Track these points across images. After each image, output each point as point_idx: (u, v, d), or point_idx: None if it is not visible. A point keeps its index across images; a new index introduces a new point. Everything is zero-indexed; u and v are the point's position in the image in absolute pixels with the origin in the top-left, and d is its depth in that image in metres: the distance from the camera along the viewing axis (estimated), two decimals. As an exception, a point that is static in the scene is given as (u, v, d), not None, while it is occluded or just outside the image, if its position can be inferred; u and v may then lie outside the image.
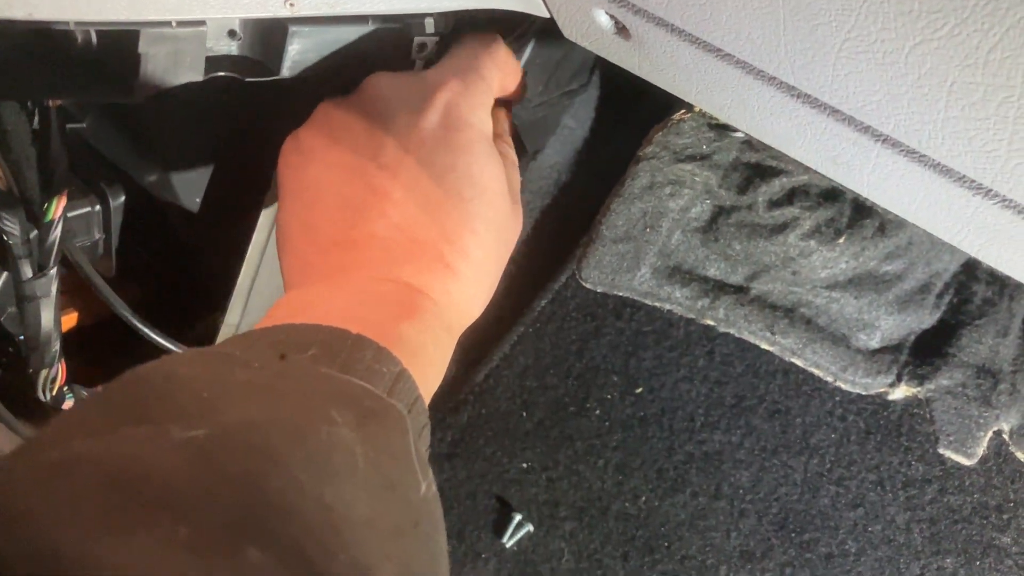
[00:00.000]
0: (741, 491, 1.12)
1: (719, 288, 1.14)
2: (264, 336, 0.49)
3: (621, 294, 1.18)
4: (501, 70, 0.68)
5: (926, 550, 1.05)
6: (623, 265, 1.16)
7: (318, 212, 0.60)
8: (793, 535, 1.09)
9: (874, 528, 1.07)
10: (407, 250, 0.57)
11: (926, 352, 1.10)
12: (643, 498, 1.14)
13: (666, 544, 1.13)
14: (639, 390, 1.17)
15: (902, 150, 0.52)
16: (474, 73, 0.65)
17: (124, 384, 0.42)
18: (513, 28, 0.95)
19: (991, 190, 0.49)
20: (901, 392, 1.09)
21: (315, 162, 0.61)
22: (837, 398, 1.11)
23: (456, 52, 0.69)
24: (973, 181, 0.50)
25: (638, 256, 1.16)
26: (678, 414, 1.15)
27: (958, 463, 1.05)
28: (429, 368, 0.54)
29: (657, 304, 1.16)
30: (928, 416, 1.07)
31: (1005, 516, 1.04)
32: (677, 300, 1.15)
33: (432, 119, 0.60)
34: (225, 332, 0.89)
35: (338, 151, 0.61)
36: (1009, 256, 0.56)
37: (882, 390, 1.09)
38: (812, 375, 1.11)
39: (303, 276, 0.60)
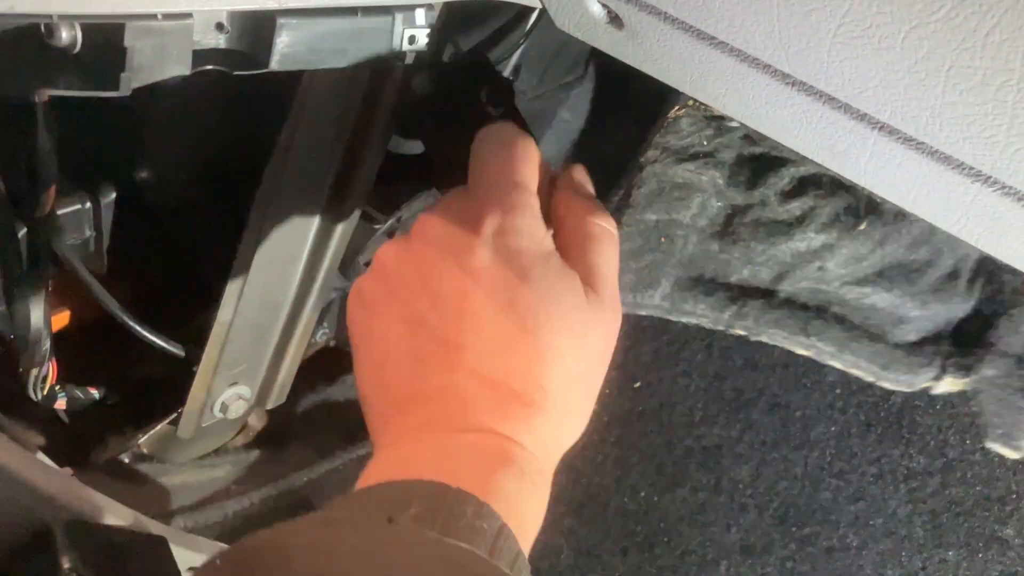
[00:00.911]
0: (741, 485, 1.11)
1: (745, 293, 1.10)
2: (367, 496, 0.49)
3: (644, 313, 1.14)
4: (534, 165, 0.65)
5: (928, 543, 1.04)
6: (643, 282, 1.12)
7: (389, 369, 0.58)
8: (794, 529, 1.09)
9: (876, 521, 1.06)
10: (484, 397, 0.55)
11: (966, 342, 1.06)
12: (642, 493, 1.14)
13: (666, 539, 1.12)
14: (637, 385, 1.16)
15: (900, 137, 0.51)
16: (513, 188, 0.61)
17: (237, 559, 0.42)
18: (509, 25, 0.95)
19: (990, 177, 0.48)
20: (947, 385, 1.06)
21: (379, 316, 0.59)
22: (837, 391, 1.10)
23: (485, 161, 0.65)
24: (972, 168, 0.49)
25: (657, 270, 1.11)
26: (677, 409, 1.15)
27: (961, 456, 1.04)
28: (528, 516, 0.54)
29: (683, 319, 1.12)
30: (975, 409, 1.04)
31: (1008, 508, 1.03)
32: (703, 313, 1.10)
33: (483, 257, 0.57)
34: (218, 330, 0.88)
35: (398, 305, 0.58)
36: (1009, 244, 0.55)
37: (927, 385, 1.05)
38: (812, 368, 1.10)
39: (387, 434, 0.58)
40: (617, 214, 1.16)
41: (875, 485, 1.07)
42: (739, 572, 1.10)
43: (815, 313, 1.09)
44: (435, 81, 0.83)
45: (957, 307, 1.08)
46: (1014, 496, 1.03)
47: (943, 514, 1.04)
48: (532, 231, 0.59)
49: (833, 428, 1.09)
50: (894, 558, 1.05)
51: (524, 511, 0.53)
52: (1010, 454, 1.03)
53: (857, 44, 0.46)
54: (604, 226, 0.64)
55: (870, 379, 1.06)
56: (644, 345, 1.17)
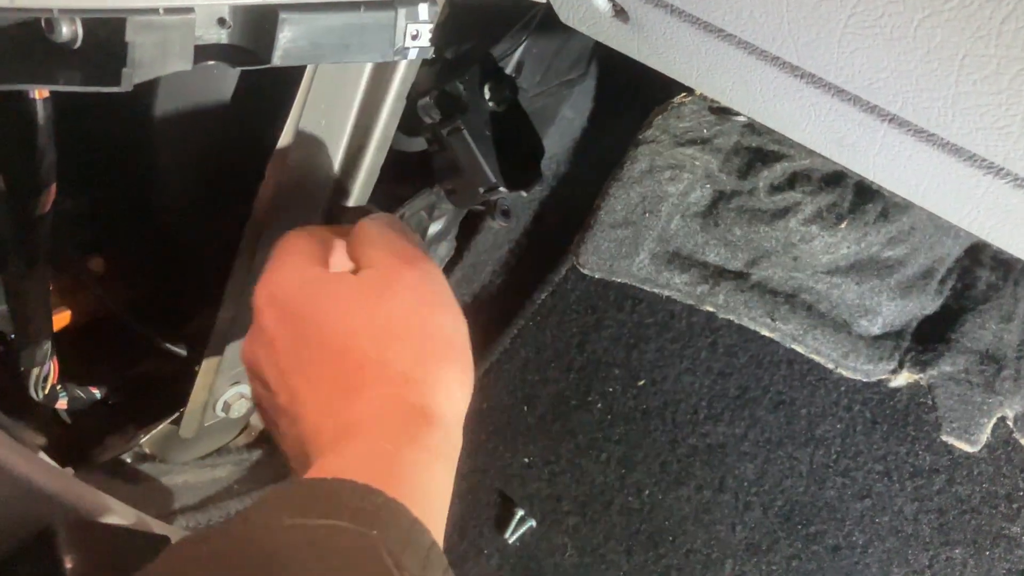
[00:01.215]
0: (746, 484, 1.10)
1: (719, 274, 1.13)
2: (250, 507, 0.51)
3: (619, 280, 1.16)
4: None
5: (935, 541, 1.04)
6: (621, 251, 1.15)
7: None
8: (799, 527, 1.08)
9: (881, 519, 1.06)
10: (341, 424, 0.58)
11: (928, 338, 1.09)
12: (647, 492, 1.13)
13: (670, 538, 1.12)
14: (641, 383, 1.16)
15: (910, 130, 0.51)
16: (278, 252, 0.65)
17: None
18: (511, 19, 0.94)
19: (1003, 169, 0.48)
20: (903, 379, 1.08)
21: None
22: (843, 388, 1.10)
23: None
24: (984, 160, 0.49)
25: (637, 241, 1.14)
26: (681, 406, 1.14)
27: (966, 452, 1.04)
28: (431, 483, 0.55)
29: (656, 290, 1.15)
30: (931, 403, 1.06)
31: (1015, 505, 1.03)
32: (676, 286, 1.14)
33: (269, 326, 0.61)
34: (219, 329, 0.88)
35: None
36: (1020, 238, 0.55)
37: (884, 377, 1.08)
38: (816, 365, 1.10)
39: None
40: (606, 184, 1.17)
41: (881, 483, 1.06)
42: (744, 570, 1.09)
43: (784, 299, 1.10)
44: (438, 78, 0.82)
45: (926, 304, 1.10)
46: (1021, 493, 1.02)
47: (950, 511, 1.04)
48: (289, 279, 0.62)
49: (839, 425, 1.09)
50: (900, 556, 1.05)
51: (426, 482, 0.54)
52: (966, 448, 1.04)
53: (868, 34, 0.45)
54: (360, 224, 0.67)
55: (830, 366, 1.09)
56: (648, 343, 1.16)
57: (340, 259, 0.67)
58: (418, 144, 0.98)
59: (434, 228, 1.08)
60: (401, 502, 0.48)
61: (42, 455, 0.75)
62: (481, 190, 0.82)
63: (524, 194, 0.86)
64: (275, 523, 0.45)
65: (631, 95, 1.24)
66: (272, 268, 0.63)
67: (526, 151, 0.87)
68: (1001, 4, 0.38)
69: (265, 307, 0.61)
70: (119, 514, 0.63)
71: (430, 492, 0.53)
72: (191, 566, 0.43)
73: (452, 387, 0.59)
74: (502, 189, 0.83)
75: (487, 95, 0.84)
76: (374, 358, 0.57)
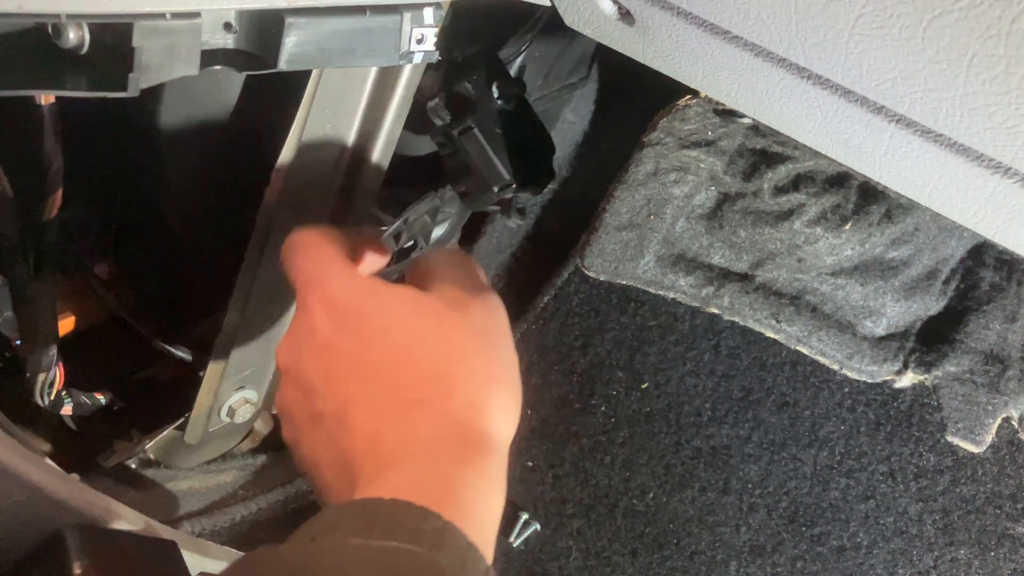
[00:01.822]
0: (750, 485, 1.10)
1: (724, 276, 1.13)
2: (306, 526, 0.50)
3: (624, 282, 1.16)
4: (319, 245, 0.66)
5: (939, 541, 1.04)
6: (627, 253, 1.15)
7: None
8: (804, 529, 1.08)
9: (886, 520, 1.06)
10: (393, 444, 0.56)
11: (933, 339, 1.09)
12: (651, 494, 1.13)
13: (675, 540, 1.12)
14: (645, 385, 1.16)
15: (917, 130, 0.51)
16: (301, 275, 0.63)
17: None
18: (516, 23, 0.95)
19: (1011, 168, 0.48)
20: (908, 379, 1.08)
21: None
22: (846, 389, 1.10)
23: (289, 269, 0.66)
24: (992, 160, 0.49)
25: (642, 243, 1.14)
26: (685, 409, 1.14)
27: (970, 452, 1.04)
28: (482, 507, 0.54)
29: (661, 292, 1.15)
30: (936, 403, 1.06)
31: (1019, 505, 1.03)
32: (681, 288, 1.14)
33: (325, 331, 0.59)
34: (224, 334, 0.88)
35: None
36: (1028, 238, 0.55)
37: (888, 378, 1.08)
38: (820, 366, 1.10)
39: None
40: (611, 187, 1.17)
41: (885, 483, 1.06)
42: (749, 572, 1.09)
43: (788, 300, 1.11)
44: (446, 80, 0.82)
45: (930, 305, 1.10)
46: (1026, 493, 1.03)
47: (954, 512, 1.04)
48: (344, 283, 0.60)
49: (842, 427, 1.09)
50: (905, 557, 1.05)
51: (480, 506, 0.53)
52: (972, 448, 1.04)
53: (876, 35, 0.45)
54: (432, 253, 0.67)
55: (834, 367, 1.09)
56: (651, 345, 1.16)
57: (371, 263, 0.67)
58: (423, 148, 0.98)
59: (437, 232, 1.08)
60: (458, 526, 0.48)
61: (47, 461, 0.75)
62: (495, 189, 0.81)
63: (534, 195, 0.85)
64: (340, 542, 0.45)
65: (632, 98, 1.24)
66: (318, 271, 0.61)
67: (537, 149, 0.87)
68: (1011, 4, 0.38)
69: (321, 310, 0.59)
70: (127, 519, 0.63)
71: (485, 518, 0.53)
72: None
73: (508, 415, 0.58)
74: (516, 187, 0.82)
75: (496, 94, 0.84)
76: (439, 373, 0.56)
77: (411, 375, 0.56)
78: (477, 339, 0.59)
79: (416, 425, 0.55)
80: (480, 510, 0.53)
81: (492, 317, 0.62)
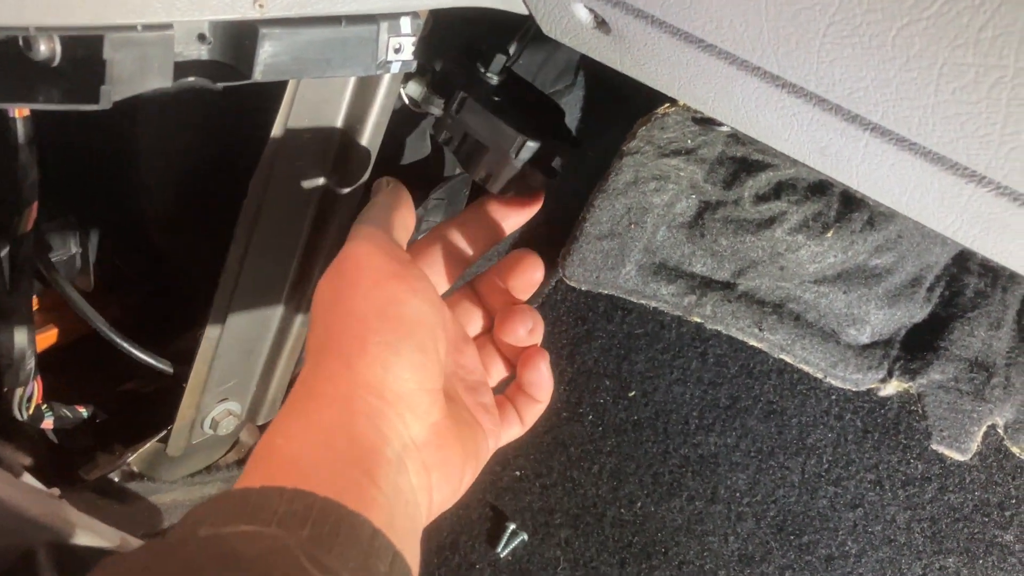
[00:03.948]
0: (738, 494, 1.10)
1: (706, 284, 1.13)
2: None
3: (606, 291, 1.16)
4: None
5: (928, 549, 1.03)
6: (607, 262, 1.15)
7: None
8: (792, 537, 1.08)
9: (874, 528, 1.05)
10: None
11: (917, 346, 1.08)
12: (639, 503, 1.13)
13: (663, 550, 1.11)
14: (632, 394, 1.15)
15: (892, 138, 0.51)
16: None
17: None
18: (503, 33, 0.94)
19: (985, 177, 0.48)
20: (892, 387, 1.08)
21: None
22: (833, 397, 1.09)
23: None
24: (966, 168, 0.48)
25: (623, 253, 1.14)
26: (672, 417, 1.14)
27: (959, 461, 1.04)
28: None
29: (643, 301, 1.15)
30: (921, 411, 1.06)
31: (1007, 513, 1.02)
32: (663, 297, 1.14)
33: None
34: (206, 346, 0.87)
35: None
36: (1005, 246, 0.54)
37: (873, 386, 1.08)
38: (807, 374, 1.10)
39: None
40: (591, 196, 1.17)
41: (873, 492, 1.06)
42: (738, 582, 1.09)
43: (771, 309, 1.11)
44: (432, 82, 0.80)
45: (914, 312, 1.10)
46: (1013, 501, 1.02)
47: (942, 520, 1.03)
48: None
49: (830, 435, 1.08)
50: (894, 565, 1.04)
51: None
52: (957, 456, 1.04)
53: (847, 43, 0.45)
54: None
55: (819, 376, 1.09)
56: (638, 354, 1.16)
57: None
58: (406, 157, 0.98)
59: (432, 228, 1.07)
60: (331, 498, 0.47)
61: (27, 476, 0.75)
62: (512, 154, 0.74)
63: (563, 157, 0.78)
64: (190, 534, 0.45)
65: (618, 105, 1.24)
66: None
67: (544, 113, 0.82)
68: (979, 13, 0.38)
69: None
70: (103, 536, 0.62)
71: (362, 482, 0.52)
72: None
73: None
74: (531, 144, 0.74)
75: (481, 68, 0.81)
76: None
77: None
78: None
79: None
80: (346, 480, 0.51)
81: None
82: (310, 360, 0.57)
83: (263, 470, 0.51)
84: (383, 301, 0.58)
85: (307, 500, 0.46)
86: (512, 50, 0.80)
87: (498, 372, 0.72)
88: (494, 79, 0.80)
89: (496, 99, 0.77)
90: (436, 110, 0.79)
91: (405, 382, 0.56)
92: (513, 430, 0.69)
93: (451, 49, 0.81)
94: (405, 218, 0.67)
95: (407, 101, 0.79)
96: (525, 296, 0.72)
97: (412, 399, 0.56)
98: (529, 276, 0.71)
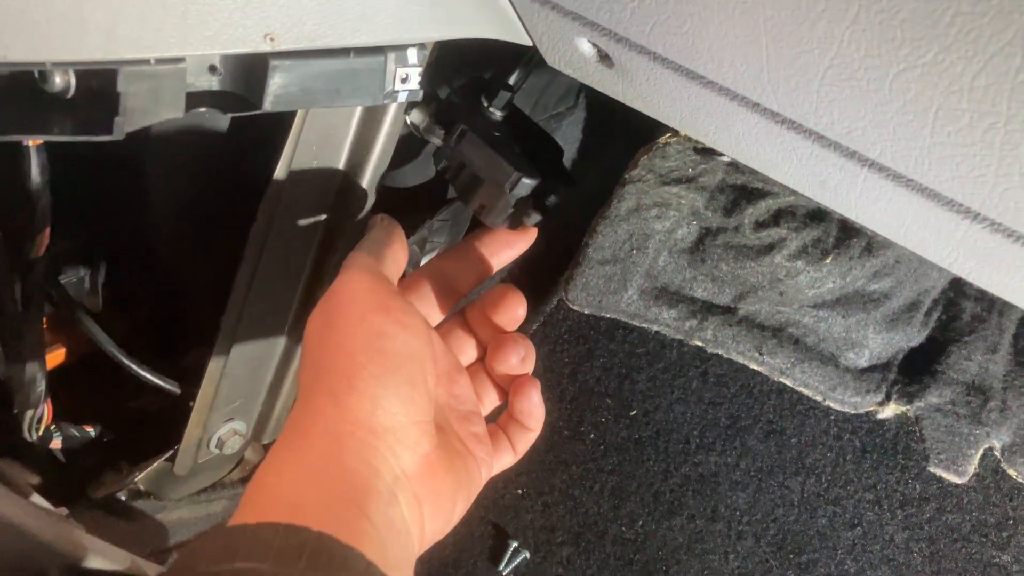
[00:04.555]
0: (738, 513, 1.11)
1: (707, 309, 1.14)
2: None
3: (608, 315, 1.17)
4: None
5: (926, 569, 1.04)
6: (610, 287, 1.16)
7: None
8: (791, 556, 1.08)
9: (873, 548, 1.06)
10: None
11: (915, 370, 1.09)
12: (640, 522, 1.14)
13: (664, 568, 1.12)
14: (633, 412, 1.16)
15: (890, 174, 0.52)
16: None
17: None
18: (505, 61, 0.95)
19: (980, 214, 0.49)
20: (891, 411, 1.08)
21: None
22: (832, 417, 1.10)
23: None
24: (962, 205, 0.49)
25: (625, 277, 1.15)
26: (673, 436, 1.14)
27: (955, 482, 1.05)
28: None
29: (645, 325, 1.16)
30: (919, 434, 1.07)
31: (1005, 534, 1.03)
32: (665, 321, 1.15)
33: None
34: (213, 366, 0.88)
35: None
36: (1000, 278, 0.55)
37: (871, 408, 1.08)
38: (806, 395, 1.11)
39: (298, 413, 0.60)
40: (594, 222, 1.18)
41: (872, 511, 1.07)
42: (738, 600, 1.10)
43: (771, 333, 1.11)
44: (436, 112, 0.82)
45: (912, 336, 1.11)
46: (1011, 522, 1.03)
47: (940, 540, 1.04)
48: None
49: (829, 454, 1.09)
50: (892, 584, 1.05)
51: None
52: (955, 479, 1.04)
53: (846, 86, 0.46)
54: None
55: (818, 398, 1.10)
56: (640, 373, 1.17)
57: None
58: (409, 180, 0.99)
59: (426, 261, 1.08)
60: (329, 533, 0.48)
61: (35, 496, 0.76)
62: (508, 188, 0.76)
63: (557, 196, 0.79)
64: (189, 572, 0.45)
65: (620, 127, 1.25)
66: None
67: (542, 150, 0.83)
68: (972, 62, 0.39)
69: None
70: (112, 558, 0.63)
71: (351, 515, 0.53)
72: None
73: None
74: (526, 181, 0.76)
75: (484, 102, 0.82)
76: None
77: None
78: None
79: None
80: (338, 511, 0.52)
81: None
82: (301, 397, 0.58)
83: (257, 508, 0.51)
84: (371, 335, 0.58)
85: (301, 536, 0.47)
86: (514, 80, 0.82)
87: (491, 400, 0.73)
88: (496, 114, 0.81)
89: (496, 134, 0.78)
90: (436, 140, 0.80)
91: (394, 416, 0.56)
92: (505, 459, 0.70)
93: (458, 77, 0.82)
94: (397, 253, 0.68)
95: (411, 127, 0.81)
96: (512, 329, 0.73)
97: (401, 432, 0.57)
98: (512, 312, 0.72)
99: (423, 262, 1.08)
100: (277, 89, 0.64)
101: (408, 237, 1.00)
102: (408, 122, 0.80)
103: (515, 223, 0.78)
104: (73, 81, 0.58)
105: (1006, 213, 0.46)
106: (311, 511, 0.50)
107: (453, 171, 0.80)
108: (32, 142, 0.67)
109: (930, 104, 0.43)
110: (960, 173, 0.46)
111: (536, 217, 0.77)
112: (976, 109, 0.41)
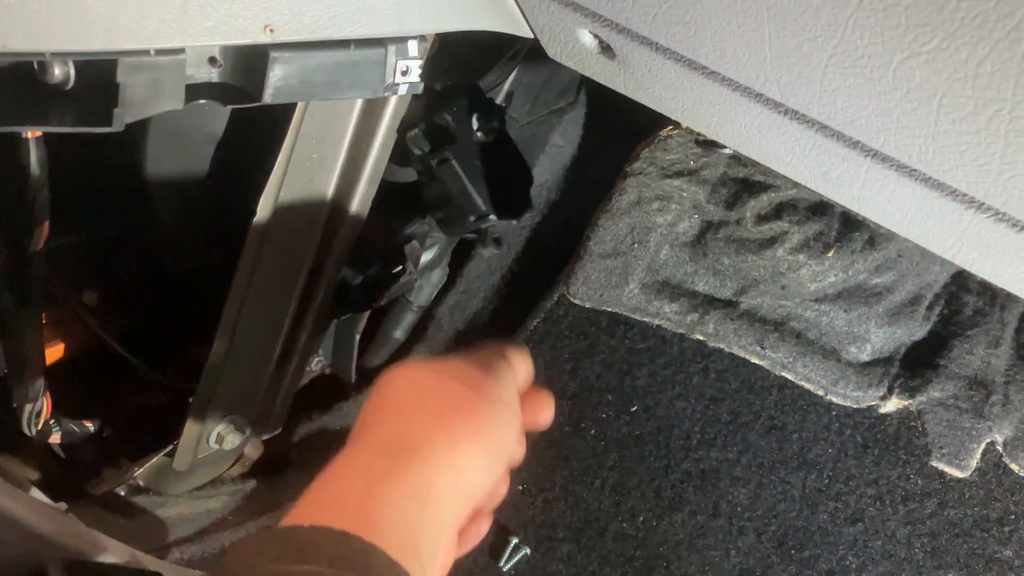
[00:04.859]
0: (739, 508, 1.10)
1: (708, 303, 1.13)
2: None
3: (610, 309, 1.17)
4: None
5: (928, 564, 1.04)
6: (611, 280, 1.16)
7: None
8: (793, 552, 1.08)
9: (874, 543, 1.06)
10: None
11: (917, 364, 1.09)
12: (641, 518, 1.13)
13: (665, 564, 1.11)
14: (634, 408, 1.16)
15: (893, 164, 0.52)
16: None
17: None
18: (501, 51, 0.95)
19: (984, 203, 0.49)
20: (892, 405, 1.08)
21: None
22: (833, 412, 1.10)
23: None
24: (966, 195, 0.49)
25: (626, 271, 1.15)
26: (674, 432, 1.14)
27: (958, 477, 1.04)
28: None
29: (646, 319, 1.15)
30: (920, 428, 1.06)
31: (1006, 529, 1.03)
32: (666, 315, 1.14)
33: None
34: (212, 361, 0.88)
35: None
36: (1003, 269, 0.55)
37: (873, 403, 1.08)
38: (808, 390, 1.10)
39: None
40: (595, 216, 1.18)
41: (873, 507, 1.07)
42: (739, 596, 1.09)
43: (773, 327, 1.11)
44: (427, 110, 0.83)
45: (914, 330, 1.10)
46: (1012, 517, 1.03)
47: (942, 535, 1.04)
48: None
49: (830, 450, 1.09)
50: (894, 580, 1.05)
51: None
52: (956, 473, 1.04)
53: (849, 74, 0.46)
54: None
55: (820, 393, 1.09)
56: (640, 369, 1.16)
57: None
58: (410, 175, 0.99)
59: (426, 256, 1.08)
60: (377, 545, 0.48)
61: (35, 491, 0.75)
62: (472, 219, 0.83)
63: (514, 222, 0.87)
64: (257, 570, 0.46)
65: (621, 122, 1.25)
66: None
67: (515, 180, 0.88)
68: (977, 49, 0.39)
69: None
70: (112, 552, 0.63)
71: (403, 532, 0.53)
72: None
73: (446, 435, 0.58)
74: (492, 217, 0.84)
75: (475, 126, 0.85)
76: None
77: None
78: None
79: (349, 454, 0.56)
80: (397, 525, 0.52)
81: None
82: (376, 444, 0.57)
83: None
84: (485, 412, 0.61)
85: (353, 544, 0.48)
86: (503, 96, 0.86)
87: None
88: (484, 138, 0.85)
89: (476, 162, 0.84)
90: (418, 150, 0.83)
91: (480, 485, 0.58)
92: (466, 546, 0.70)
93: (458, 71, 0.83)
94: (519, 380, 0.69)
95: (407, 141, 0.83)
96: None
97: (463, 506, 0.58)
98: (543, 418, 0.72)
99: (423, 257, 1.07)
100: (277, 81, 0.64)
101: (407, 230, 1.00)
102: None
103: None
104: (72, 72, 0.58)
105: (1010, 202, 0.46)
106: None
107: (426, 180, 0.85)
108: (31, 134, 0.67)
109: (934, 92, 0.43)
110: (964, 161, 0.46)
111: (493, 251, 0.86)
112: (981, 96, 0.41)
